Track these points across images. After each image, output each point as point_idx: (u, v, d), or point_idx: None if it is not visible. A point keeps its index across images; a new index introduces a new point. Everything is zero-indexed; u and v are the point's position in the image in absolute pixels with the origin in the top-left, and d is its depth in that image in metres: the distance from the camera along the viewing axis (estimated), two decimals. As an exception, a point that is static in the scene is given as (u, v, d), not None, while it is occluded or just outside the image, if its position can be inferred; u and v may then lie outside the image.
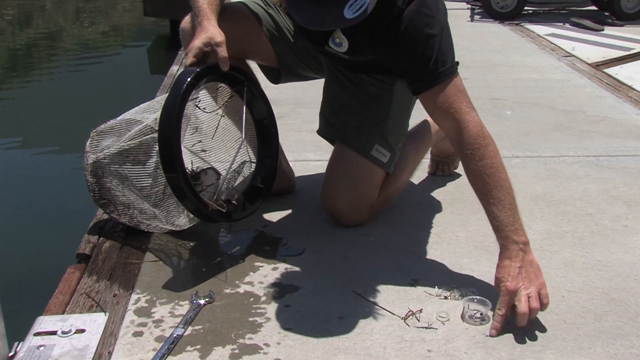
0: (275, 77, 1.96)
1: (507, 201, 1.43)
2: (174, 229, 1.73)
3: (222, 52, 1.54)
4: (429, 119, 2.01)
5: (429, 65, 1.52)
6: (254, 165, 1.78)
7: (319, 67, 1.91)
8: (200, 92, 1.68)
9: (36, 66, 8.07)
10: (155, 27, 10.17)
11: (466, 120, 1.50)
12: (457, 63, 1.57)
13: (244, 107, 1.70)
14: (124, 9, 13.48)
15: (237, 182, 1.76)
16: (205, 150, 1.79)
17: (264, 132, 1.78)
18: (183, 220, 1.72)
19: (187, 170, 1.59)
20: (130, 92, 5.67)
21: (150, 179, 1.71)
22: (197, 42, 1.54)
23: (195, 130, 1.77)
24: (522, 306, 1.34)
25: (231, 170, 1.73)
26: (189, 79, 1.51)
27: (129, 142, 1.71)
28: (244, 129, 1.69)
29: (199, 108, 1.70)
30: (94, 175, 1.75)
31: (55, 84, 7.15)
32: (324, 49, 1.69)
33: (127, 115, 1.80)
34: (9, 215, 3.45)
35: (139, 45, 9.61)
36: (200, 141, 1.77)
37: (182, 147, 1.54)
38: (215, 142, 1.79)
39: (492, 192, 1.44)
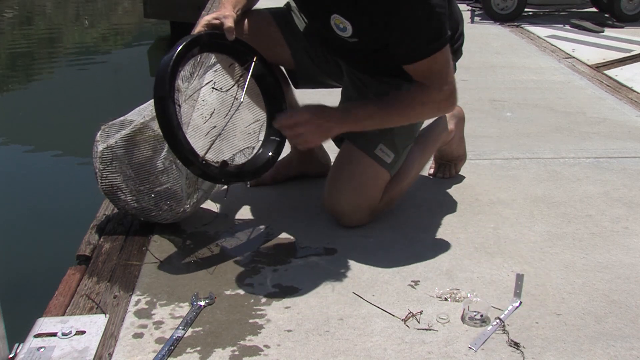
0: (295, 82, 2.01)
1: (374, 110, 1.68)
2: (180, 215, 1.76)
3: (228, 22, 1.63)
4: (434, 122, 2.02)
5: (425, 38, 1.60)
6: (260, 142, 1.78)
7: (338, 74, 1.93)
8: (214, 74, 1.73)
9: (36, 67, 8.07)
10: (155, 29, 10.19)
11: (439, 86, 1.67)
12: (449, 35, 1.66)
13: (248, 77, 1.71)
14: (124, 10, 13.50)
15: (240, 157, 1.75)
16: (220, 134, 1.79)
17: (273, 108, 1.78)
18: (187, 206, 1.74)
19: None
20: (130, 93, 5.67)
21: (159, 162, 1.73)
22: (207, 16, 1.66)
23: (211, 113, 1.77)
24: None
25: (225, 127, 1.72)
26: (188, 39, 1.58)
27: (138, 123, 1.74)
28: (243, 95, 1.70)
29: (215, 89, 1.73)
30: (103, 161, 1.75)
31: (55, 85, 7.16)
32: (333, 38, 1.69)
33: (138, 109, 1.81)
34: (9, 216, 3.46)
35: (139, 47, 9.63)
36: (215, 126, 1.77)
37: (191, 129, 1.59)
38: (229, 124, 1.78)
39: (385, 101, 1.68)
